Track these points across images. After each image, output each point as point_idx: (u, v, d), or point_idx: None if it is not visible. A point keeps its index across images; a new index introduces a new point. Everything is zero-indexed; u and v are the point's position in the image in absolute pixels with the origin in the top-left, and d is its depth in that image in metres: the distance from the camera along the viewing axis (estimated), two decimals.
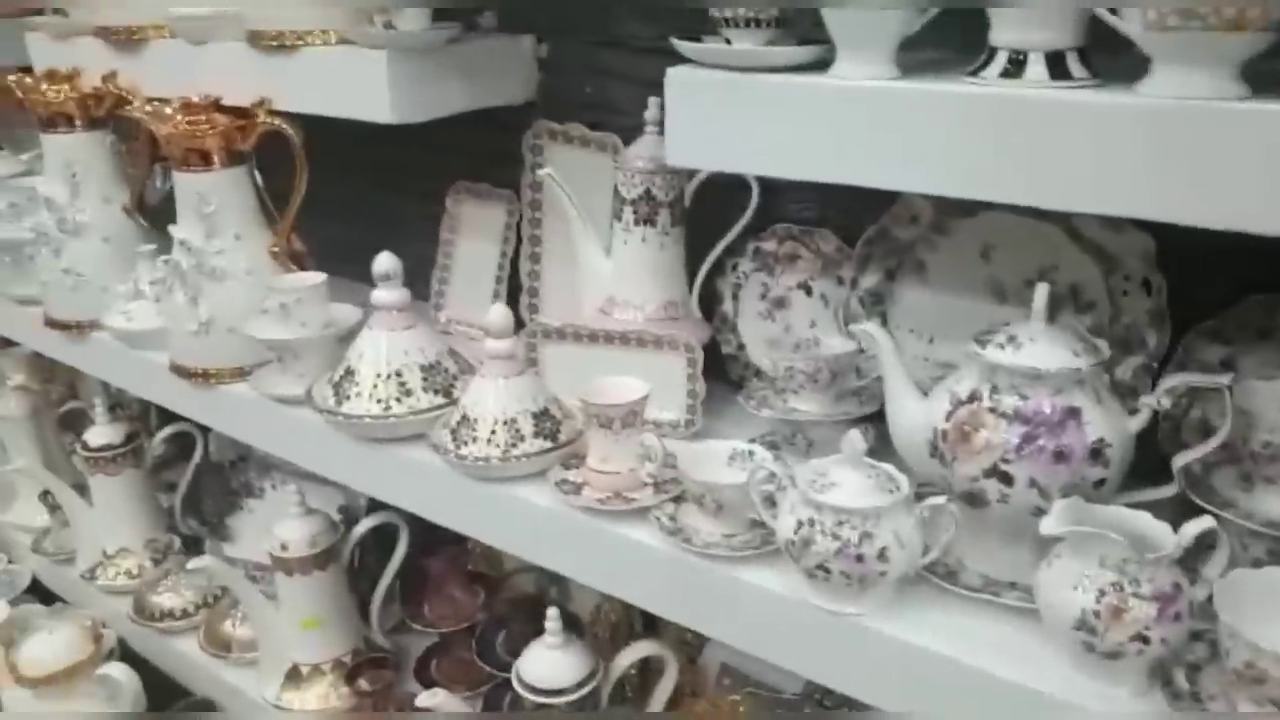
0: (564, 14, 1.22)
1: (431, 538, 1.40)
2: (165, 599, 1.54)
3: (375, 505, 1.44)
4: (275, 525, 1.30)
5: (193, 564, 1.29)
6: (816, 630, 0.82)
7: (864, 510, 0.77)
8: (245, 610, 1.37)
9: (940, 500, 0.79)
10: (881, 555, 0.77)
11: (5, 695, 1.45)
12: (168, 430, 1.62)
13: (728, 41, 0.86)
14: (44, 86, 1.40)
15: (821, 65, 0.80)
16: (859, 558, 0.77)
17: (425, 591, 1.37)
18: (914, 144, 0.72)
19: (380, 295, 1.12)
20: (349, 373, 1.12)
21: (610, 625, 1.33)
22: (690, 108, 0.86)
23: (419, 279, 1.39)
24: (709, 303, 1.18)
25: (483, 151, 1.35)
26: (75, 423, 1.87)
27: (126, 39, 1.37)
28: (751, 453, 0.92)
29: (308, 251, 1.32)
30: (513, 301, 1.35)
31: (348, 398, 1.10)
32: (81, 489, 1.64)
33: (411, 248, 1.50)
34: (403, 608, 1.44)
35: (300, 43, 1.16)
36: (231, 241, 1.26)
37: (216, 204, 1.24)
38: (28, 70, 1.53)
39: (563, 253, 1.31)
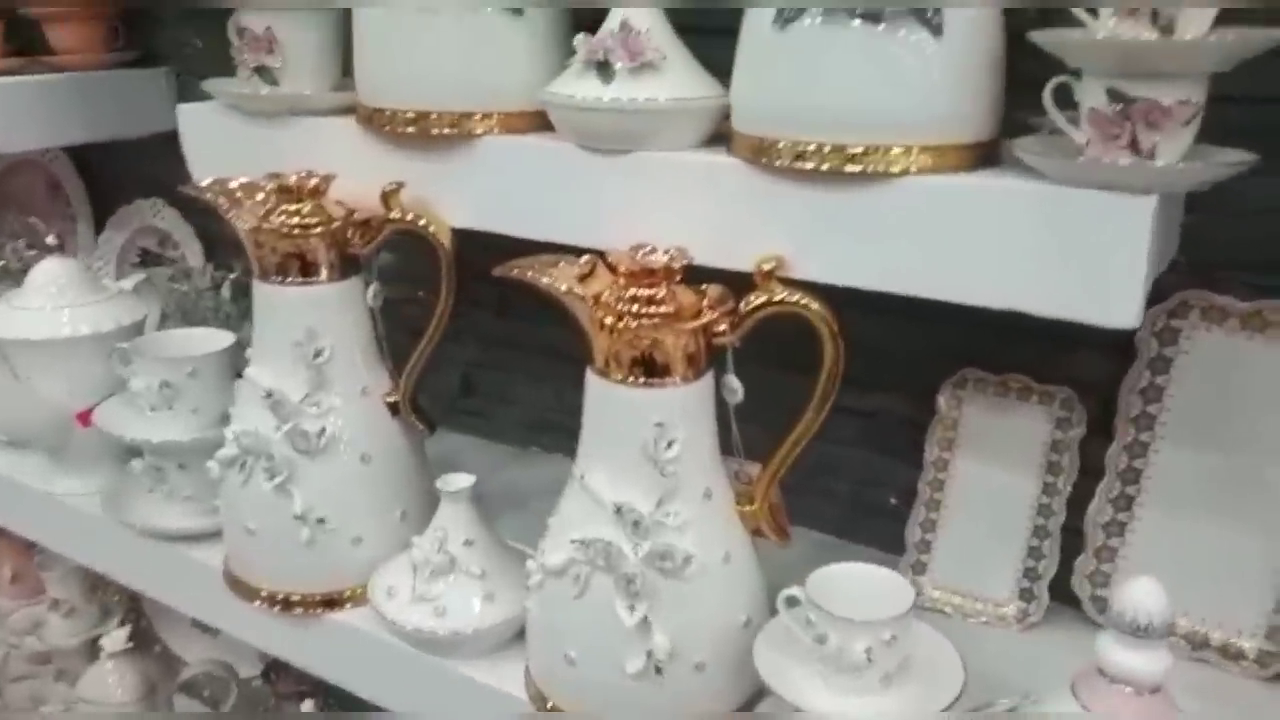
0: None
1: None
2: None
3: None
4: None
5: None
6: None
7: None
8: None
9: None
10: None
11: None
12: None
13: None
14: (275, 207, 0.81)
15: None
16: None
17: None
18: None
19: (1127, 661, 0.58)
20: None
21: None
22: None
23: (869, 512, 0.89)
24: None
25: (1003, 325, 0.84)
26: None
27: (426, 135, 0.79)
28: None
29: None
30: (1061, 572, 0.84)
31: None
32: None
33: (825, 455, 0.95)
34: None
35: (889, 168, 0.63)
36: (698, 504, 0.70)
37: (681, 442, 0.68)
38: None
39: (1178, 505, 0.80)
